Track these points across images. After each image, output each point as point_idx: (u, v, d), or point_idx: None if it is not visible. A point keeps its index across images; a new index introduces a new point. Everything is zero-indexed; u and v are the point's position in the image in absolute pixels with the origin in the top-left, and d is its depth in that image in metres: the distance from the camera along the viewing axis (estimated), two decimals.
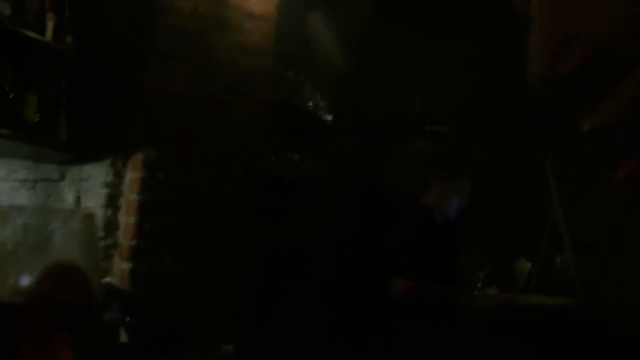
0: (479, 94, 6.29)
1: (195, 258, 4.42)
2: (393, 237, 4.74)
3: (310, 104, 5.69)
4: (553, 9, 0.66)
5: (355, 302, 5.40)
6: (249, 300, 4.70)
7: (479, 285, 5.15)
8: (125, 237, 4.17)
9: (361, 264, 5.71)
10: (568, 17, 0.64)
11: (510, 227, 5.60)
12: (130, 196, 4.20)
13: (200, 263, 4.45)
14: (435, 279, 4.56)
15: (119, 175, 4.24)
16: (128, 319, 3.93)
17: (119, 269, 4.12)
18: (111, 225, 4.19)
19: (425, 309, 4.59)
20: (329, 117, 5.87)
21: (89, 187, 4.25)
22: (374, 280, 4.80)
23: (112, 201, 4.21)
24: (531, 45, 0.68)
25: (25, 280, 1.81)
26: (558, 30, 0.65)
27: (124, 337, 3.91)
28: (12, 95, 3.64)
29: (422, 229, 4.64)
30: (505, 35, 6.32)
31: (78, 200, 4.23)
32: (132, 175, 4.23)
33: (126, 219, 4.20)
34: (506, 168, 5.99)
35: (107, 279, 4.13)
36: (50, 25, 3.88)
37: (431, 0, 6.24)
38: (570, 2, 0.65)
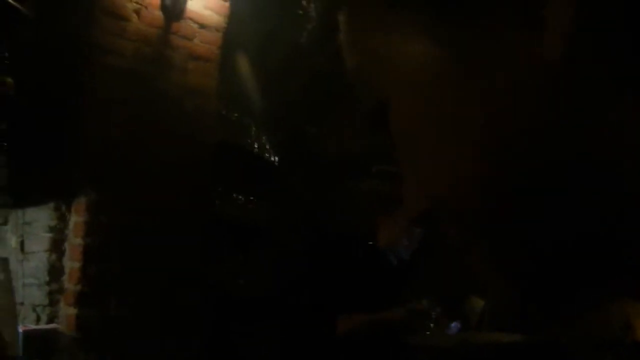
0: None
1: (143, 302, 4.34)
2: (344, 276, 4.70)
3: (256, 145, 5.68)
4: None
5: (308, 343, 5.34)
6: (201, 342, 4.62)
7: (431, 325, 5.12)
8: (70, 281, 4.08)
9: (314, 306, 5.66)
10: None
11: (461, 264, 5.59)
12: (74, 240, 4.12)
13: (148, 307, 4.36)
14: (385, 319, 4.53)
15: (63, 219, 4.15)
16: None
17: (65, 315, 4.02)
18: (56, 270, 4.09)
19: (376, 350, 4.55)
20: (276, 158, 5.86)
21: (32, 231, 4.16)
22: (326, 321, 4.74)
23: (57, 245, 4.12)
24: None
25: None
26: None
27: None
28: None
29: (373, 269, 4.62)
30: None
31: (22, 244, 4.13)
32: (76, 219, 4.14)
33: (71, 264, 4.11)
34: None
35: (53, 325, 4.02)
36: None
37: None
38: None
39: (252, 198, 5.59)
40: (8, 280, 2.44)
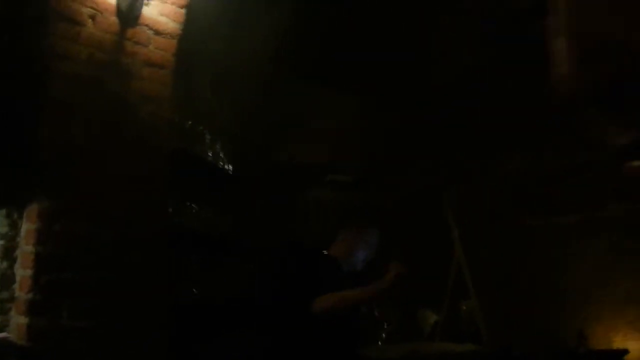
0: (385, 144, 6.35)
1: (98, 312, 4.28)
2: (299, 286, 4.68)
3: (210, 153, 5.65)
4: (582, 18, 0.66)
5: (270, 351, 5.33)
6: (159, 353, 4.57)
7: (384, 336, 5.15)
8: (21, 290, 4.01)
9: (272, 315, 5.64)
10: (597, 25, 0.64)
11: (414, 277, 5.62)
12: (26, 248, 4.05)
13: (103, 317, 4.30)
14: (339, 331, 4.52)
15: (14, 227, 4.09)
16: None
17: (16, 324, 3.95)
18: (7, 278, 4.02)
19: None
20: (230, 167, 5.84)
21: None
22: (285, 330, 4.73)
23: (8, 253, 4.04)
24: (556, 50, 0.67)
25: None
26: (587, 37, 0.65)
27: None
28: None
29: (326, 279, 4.60)
30: (409, 84, 6.44)
31: None
32: (27, 227, 4.08)
33: (22, 272, 4.04)
34: (409, 219, 6.03)
35: (4, 334, 3.94)
36: None
37: (334, 51, 6.30)
38: (598, 12, 0.65)
39: (206, 207, 5.57)
40: None
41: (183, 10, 4.91)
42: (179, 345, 4.85)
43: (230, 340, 5.45)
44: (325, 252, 4.83)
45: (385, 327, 5.17)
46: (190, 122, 5.47)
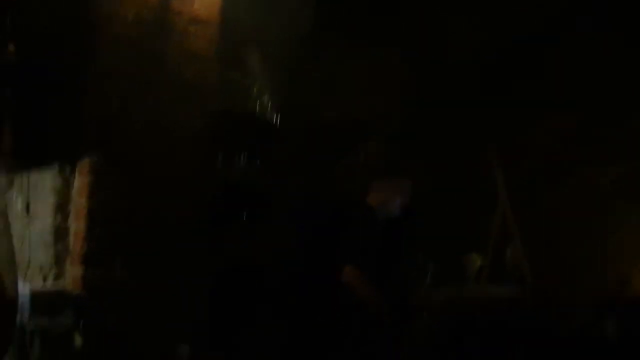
0: (424, 98, 6.36)
1: (148, 262, 4.40)
2: (340, 238, 4.78)
3: (258, 109, 5.70)
4: None
5: (310, 306, 5.41)
6: (205, 303, 4.69)
7: (428, 281, 5.21)
8: (75, 243, 4.14)
9: (315, 268, 5.72)
10: None
11: (459, 222, 5.67)
12: (78, 201, 4.17)
13: (153, 271, 4.43)
14: (383, 277, 4.61)
15: (67, 182, 4.21)
16: (81, 323, 3.92)
17: (71, 275, 4.09)
18: (61, 232, 4.15)
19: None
20: (276, 122, 5.89)
21: (37, 193, 4.22)
22: (328, 283, 4.83)
23: (62, 207, 4.18)
24: None
25: None
26: None
27: (78, 342, 3.90)
28: None
29: (364, 229, 4.70)
30: (447, 41, 6.44)
31: (27, 207, 4.19)
32: (80, 181, 4.20)
33: (76, 225, 4.17)
34: (454, 164, 6.06)
35: (60, 286, 4.09)
36: None
37: (375, 7, 6.31)
38: None
39: (253, 163, 5.62)
40: (6, 227, 2.49)
41: None
42: (220, 299, 4.96)
43: (271, 293, 5.55)
44: (361, 203, 4.92)
45: (430, 270, 5.22)
46: (237, 78, 5.52)
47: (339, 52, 6.17)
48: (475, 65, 6.17)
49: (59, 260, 4.15)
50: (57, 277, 4.14)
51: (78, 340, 3.84)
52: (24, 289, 3.73)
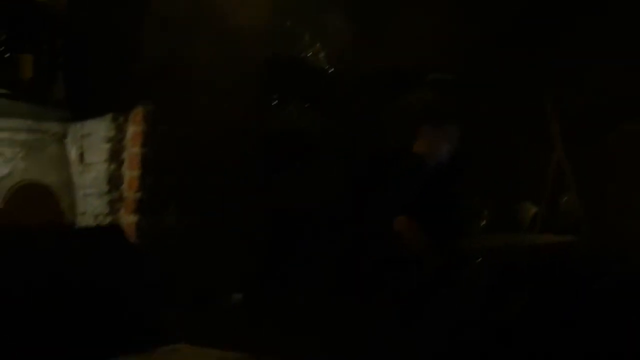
0: (483, 39, 6.26)
1: (201, 210, 4.44)
2: (390, 186, 4.77)
3: (309, 54, 5.68)
4: None
5: (361, 253, 5.44)
6: (257, 251, 4.74)
7: (481, 227, 5.20)
8: (129, 190, 4.19)
9: (366, 216, 5.74)
10: None
11: (513, 170, 5.62)
12: (132, 150, 4.21)
13: (206, 216, 4.47)
14: (434, 224, 4.61)
15: (120, 130, 4.25)
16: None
17: (125, 222, 4.15)
18: (115, 179, 4.20)
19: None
20: (329, 68, 5.86)
21: (91, 142, 4.27)
22: (379, 229, 4.83)
23: (115, 155, 4.22)
24: None
25: None
26: None
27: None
28: (7, 55, 3.67)
29: (414, 176, 4.68)
30: None
31: (81, 156, 4.25)
32: (133, 129, 4.23)
33: (130, 173, 4.21)
34: (509, 111, 5.98)
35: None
36: None
37: None
38: None
39: (305, 108, 5.61)
40: (67, 158, 2.56)
41: None
42: (271, 243, 5.00)
43: (323, 239, 5.57)
44: (409, 150, 4.89)
45: (485, 217, 5.20)
46: (289, 23, 5.48)
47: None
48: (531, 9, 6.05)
49: (112, 208, 4.20)
50: (112, 224, 4.19)
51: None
52: None
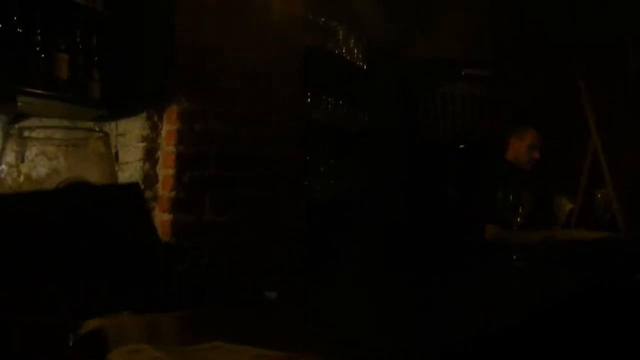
0: (518, 36, 6.23)
1: (238, 208, 4.45)
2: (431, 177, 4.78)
3: (344, 49, 5.68)
4: None
5: (399, 250, 5.43)
6: (293, 248, 4.74)
7: (518, 221, 5.17)
8: (164, 189, 4.20)
9: (402, 208, 5.72)
10: None
11: (550, 165, 5.57)
12: (167, 148, 4.22)
13: (243, 213, 4.48)
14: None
15: (155, 128, 4.26)
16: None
17: (160, 221, 4.16)
18: (150, 178, 4.22)
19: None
20: (364, 62, 5.86)
21: (126, 141, 4.29)
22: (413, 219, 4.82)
23: (150, 154, 4.23)
24: None
25: None
26: None
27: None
28: (43, 55, 3.68)
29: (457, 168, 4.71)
30: None
31: (116, 155, 4.27)
32: (168, 128, 4.24)
33: (164, 171, 4.22)
34: (545, 106, 5.95)
35: None
36: None
37: None
38: None
39: (340, 103, 5.62)
40: (110, 154, 2.56)
41: None
42: (312, 240, 5.00)
43: (361, 235, 5.57)
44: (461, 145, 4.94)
45: (520, 212, 5.17)
46: (323, 19, 5.49)
47: None
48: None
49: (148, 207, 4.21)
50: None
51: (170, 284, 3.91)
52: None
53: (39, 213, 0.88)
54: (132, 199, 0.98)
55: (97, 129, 4.31)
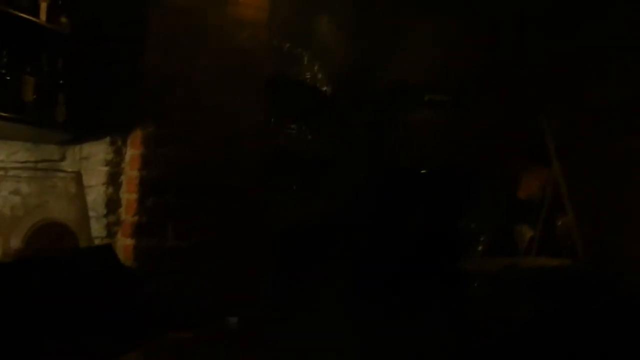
0: (482, 66, 6.29)
1: (199, 233, 4.44)
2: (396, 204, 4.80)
3: (309, 75, 5.70)
4: None
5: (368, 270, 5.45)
6: (257, 274, 4.73)
7: (479, 248, 5.21)
8: (127, 213, 4.19)
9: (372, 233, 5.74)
10: None
11: (510, 193, 5.64)
12: (130, 173, 4.21)
13: (205, 238, 4.47)
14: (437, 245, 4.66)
15: (119, 153, 4.25)
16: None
17: (122, 245, 4.14)
18: (113, 203, 4.21)
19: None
20: (328, 89, 5.88)
21: (89, 165, 4.28)
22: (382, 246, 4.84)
23: (113, 179, 4.22)
24: None
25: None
26: None
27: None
28: (9, 77, 3.68)
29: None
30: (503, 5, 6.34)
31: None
32: (132, 152, 4.24)
33: (128, 196, 4.22)
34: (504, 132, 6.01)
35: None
36: (43, 6, 3.91)
37: None
38: None
39: (305, 129, 5.63)
40: (82, 194, 2.55)
41: None
42: (270, 266, 5.00)
43: (329, 261, 5.57)
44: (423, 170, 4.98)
45: (482, 240, 5.24)
46: (288, 45, 5.52)
47: (393, 16, 6.12)
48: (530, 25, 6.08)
49: (110, 232, 4.20)
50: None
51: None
52: None
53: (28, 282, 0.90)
54: (107, 259, 1.00)
55: (62, 154, 4.30)
